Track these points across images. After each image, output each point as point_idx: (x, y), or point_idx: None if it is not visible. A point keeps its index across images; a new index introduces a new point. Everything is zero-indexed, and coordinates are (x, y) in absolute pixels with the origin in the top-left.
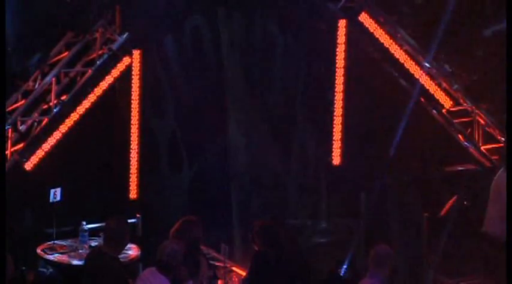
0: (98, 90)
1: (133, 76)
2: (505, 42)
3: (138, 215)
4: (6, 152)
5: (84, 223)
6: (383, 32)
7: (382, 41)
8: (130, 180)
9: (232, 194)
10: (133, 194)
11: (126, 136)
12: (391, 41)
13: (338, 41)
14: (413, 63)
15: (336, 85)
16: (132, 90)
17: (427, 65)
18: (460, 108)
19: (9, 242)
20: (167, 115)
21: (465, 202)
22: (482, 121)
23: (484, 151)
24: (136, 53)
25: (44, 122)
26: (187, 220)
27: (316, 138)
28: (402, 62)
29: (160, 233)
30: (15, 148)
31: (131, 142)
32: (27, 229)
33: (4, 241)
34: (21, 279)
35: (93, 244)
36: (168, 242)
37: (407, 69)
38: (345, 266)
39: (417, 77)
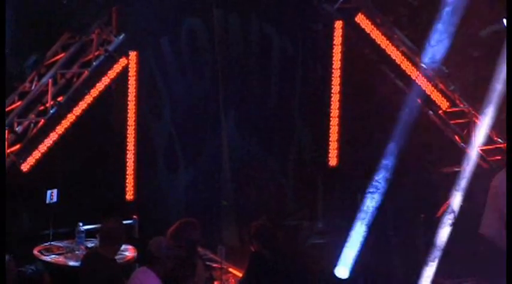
0: (95, 91)
1: (129, 78)
2: (505, 42)
3: (134, 217)
4: None
5: (81, 224)
6: (380, 33)
7: (378, 42)
8: (127, 181)
9: (229, 195)
10: (129, 195)
11: (122, 137)
12: (388, 42)
13: (334, 42)
14: (410, 64)
15: (332, 86)
16: (129, 91)
17: (423, 66)
18: (457, 109)
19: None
20: (164, 116)
21: (461, 204)
22: (478, 122)
23: (480, 152)
24: (132, 54)
25: (40, 123)
26: (186, 221)
27: (313, 139)
28: (399, 63)
29: (156, 234)
30: (12, 149)
31: (128, 143)
32: (23, 230)
33: (4, 241)
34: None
35: (90, 245)
36: (157, 237)
37: (404, 70)
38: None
39: (414, 78)
